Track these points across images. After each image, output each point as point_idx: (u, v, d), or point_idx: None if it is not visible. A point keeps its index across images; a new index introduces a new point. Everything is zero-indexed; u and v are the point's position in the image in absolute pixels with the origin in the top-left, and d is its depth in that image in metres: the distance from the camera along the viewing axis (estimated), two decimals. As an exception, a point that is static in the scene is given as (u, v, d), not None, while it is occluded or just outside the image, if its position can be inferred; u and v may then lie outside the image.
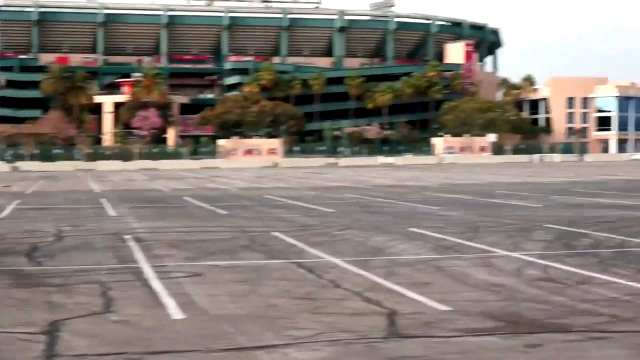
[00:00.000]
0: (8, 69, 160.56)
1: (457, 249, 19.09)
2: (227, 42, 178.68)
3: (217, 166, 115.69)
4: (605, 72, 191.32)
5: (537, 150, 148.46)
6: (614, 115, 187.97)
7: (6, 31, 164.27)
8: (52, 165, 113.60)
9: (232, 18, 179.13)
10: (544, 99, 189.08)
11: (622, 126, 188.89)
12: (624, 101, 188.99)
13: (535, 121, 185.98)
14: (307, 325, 11.02)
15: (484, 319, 11.35)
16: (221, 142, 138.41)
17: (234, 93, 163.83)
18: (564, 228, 23.05)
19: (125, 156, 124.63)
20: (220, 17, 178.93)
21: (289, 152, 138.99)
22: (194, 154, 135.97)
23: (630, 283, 13.95)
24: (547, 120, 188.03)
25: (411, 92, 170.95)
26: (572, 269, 15.54)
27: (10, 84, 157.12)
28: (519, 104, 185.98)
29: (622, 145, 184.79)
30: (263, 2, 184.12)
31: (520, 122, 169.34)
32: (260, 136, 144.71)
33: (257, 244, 20.39)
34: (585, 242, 19.94)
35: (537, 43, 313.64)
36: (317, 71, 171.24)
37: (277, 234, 22.64)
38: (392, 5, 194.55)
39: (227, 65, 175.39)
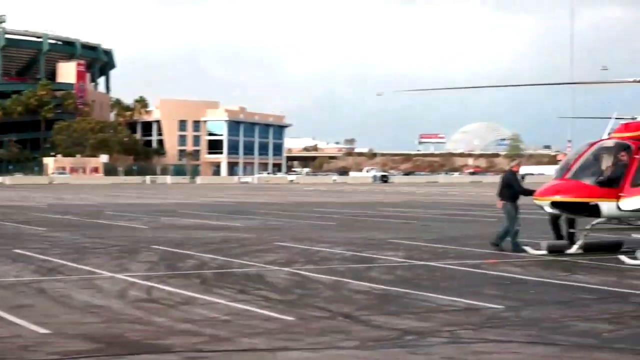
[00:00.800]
0: None
1: (61, 270, 18.75)
2: None
3: None
4: (217, 97, 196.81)
5: (150, 171, 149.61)
6: (224, 138, 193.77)
7: None
8: None
9: None
10: (157, 121, 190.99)
11: (232, 150, 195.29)
12: (233, 125, 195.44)
13: (148, 143, 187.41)
14: None
15: (84, 341, 11.23)
16: None
17: None
18: (170, 249, 23.35)
19: None
20: None
21: None
22: None
23: (231, 303, 14.37)
24: (160, 142, 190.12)
25: (21, 111, 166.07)
26: (176, 290, 15.76)
27: None
28: (132, 126, 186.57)
29: (232, 168, 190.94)
30: None
31: (133, 143, 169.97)
32: None
33: None
34: (190, 263, 20.30)
35: (151, 65, 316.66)
36: None
37: None
38: (3, 22, 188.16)
39: None
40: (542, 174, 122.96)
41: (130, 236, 28.16)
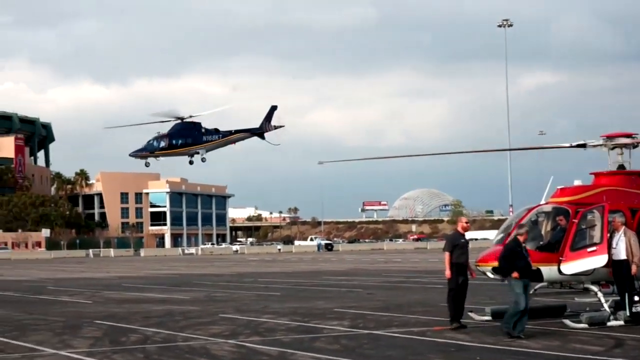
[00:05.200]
0: None
1: (1, 348, 18.45)
2: None
3: None
4: (157, 169, 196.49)
5: (93, 245, 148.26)
6: (167, 210, 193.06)
7: None
8: None
9: None
10: (98, 193, 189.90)
11: (176, 221, 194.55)
12: (176, 197, 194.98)
13: (90, 216, 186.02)
14: None
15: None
16: None
17: None
18: (113, 324, 23.10)
19: None
20: None
21: None
22: None
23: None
24: (102, 214, 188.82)
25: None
26: (119, 365, 15.59)
27: None
28: (74, 199, 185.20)
29: (176, 239, 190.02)
30: None
31: (75, 216, 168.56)
32: None
33: None
34: (134, 337, 20.09)
35: (90, 137, 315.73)
36: None
37: None
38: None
39: None
40: (486, 239, 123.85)
41: (72, 311, 27.83)
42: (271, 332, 20.76)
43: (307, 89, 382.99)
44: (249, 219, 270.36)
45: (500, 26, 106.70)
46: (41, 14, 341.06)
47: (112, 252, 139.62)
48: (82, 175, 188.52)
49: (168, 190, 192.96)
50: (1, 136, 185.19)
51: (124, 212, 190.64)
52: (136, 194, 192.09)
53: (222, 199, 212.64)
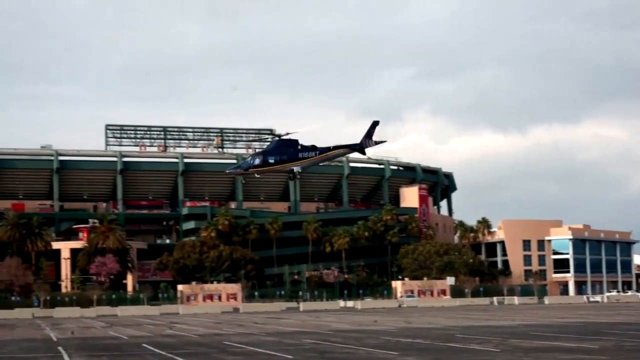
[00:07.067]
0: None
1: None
2: (182, 187, 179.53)
3: (177, 312, 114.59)
4: (556, 215, 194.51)
5: (496, 292, 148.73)
6: (570, 257, 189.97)
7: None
8: (10, 312, 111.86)
9: (186, 164, 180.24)
10: (501, 241, 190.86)
11: (579, 268, 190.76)
12: (579, 244, 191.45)
13: (493, 264, 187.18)
14: None
15: None
16: (180, 287, 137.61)
17: (191, 238, 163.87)
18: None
19: (84, 302, 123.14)
20: (175, 162, 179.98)
21: (248, 297, 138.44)
22: (153, 299, 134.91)
23: None
24: (505, 262, 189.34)
25: (368, 236, 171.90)
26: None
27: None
28: (476, 247, 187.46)
29: (580, 286, 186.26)
30: (216, 148, 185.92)
31: (478, 264, 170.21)
32: (219, 281, 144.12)
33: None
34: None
35: (490, 185, 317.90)
36: (273, 216, 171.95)
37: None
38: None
39: (184, 211, 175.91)
40: None
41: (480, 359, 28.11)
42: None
43: None
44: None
45: None
46: (441, 66, 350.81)
47: (516, 299, 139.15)
48: (484, 223, 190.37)
49: (571, 237, 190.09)
50: (405, 186, 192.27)
51: (526, 260, 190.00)
52: (538, 241, 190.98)
53: (627, 245, 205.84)
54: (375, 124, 77.06)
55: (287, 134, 74.22)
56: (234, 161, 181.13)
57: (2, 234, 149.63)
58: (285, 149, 73.72)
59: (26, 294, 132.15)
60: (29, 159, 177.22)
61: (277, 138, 75.44)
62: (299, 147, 74.54)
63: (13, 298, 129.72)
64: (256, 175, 75.24)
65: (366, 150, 79.05)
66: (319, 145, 76.97)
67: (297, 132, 74.36)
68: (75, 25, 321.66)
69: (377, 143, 77.45)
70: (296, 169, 74.36)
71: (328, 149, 76.78)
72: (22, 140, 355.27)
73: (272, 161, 73.08)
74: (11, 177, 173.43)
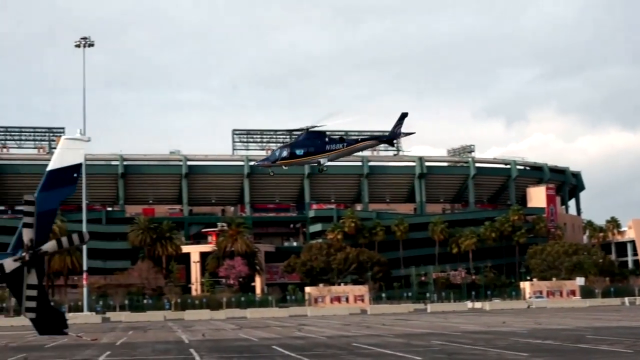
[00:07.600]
0: (95, 221, 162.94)
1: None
2: (309, 190, 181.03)
3: (305, 314, 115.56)
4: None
5: (628, 293, 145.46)
6: None
7: (92, 184, 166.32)
8: (142, 315, 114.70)
9: (312, 167, 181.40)
10: (631, 241, 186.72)
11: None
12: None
13: (623, 263, 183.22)
14: None
15: None
16: (308, 289, 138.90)
17: (318, 240, 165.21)
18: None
19: (214, 305, 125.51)
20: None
21: (376, 299, 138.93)
22: (282, 301, 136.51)
23: None
24: (636, 262, 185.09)
25: (495, 237, 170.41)
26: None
27: (98, 236, 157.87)
28: (606, 246, 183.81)
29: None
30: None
31: (609, 264, 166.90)
32: (346, 283, 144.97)
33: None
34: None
35: (620, 184, 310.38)
36: (399, 217, 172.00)
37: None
38: (472, 151, 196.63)
39: (310, 213, 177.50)
40: None
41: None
42: None
43: None
44: None
45: None
46: (567, 64, 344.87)
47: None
48: (613, 222, 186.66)
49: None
50: (532, 186, 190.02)
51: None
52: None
53: None
54: (404, 115, 77.02)
55: (314, 126, 75.25)
56: (359, 163, 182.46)
57: (134, 238, 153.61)
58: (312, 141, 73.70)
59: (158, 297, 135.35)
60: (159, 165, 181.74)
61: (305, 130, 76.55)
62: (327, 139, 75.38)
63: (145, 301, 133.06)
64: (284, 167, 76.23)
65: (394, 142, 79.11)
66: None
67: (325, 125, 75.59)
68: (201, 34, 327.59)
69: (406, 134, 77.40)
70: (323, 160, 75.13)
71: (356, 140, 77.42)
72: (151, 146, 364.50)
73: (299, 153, 74.13)
74: (141, 183, 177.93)
